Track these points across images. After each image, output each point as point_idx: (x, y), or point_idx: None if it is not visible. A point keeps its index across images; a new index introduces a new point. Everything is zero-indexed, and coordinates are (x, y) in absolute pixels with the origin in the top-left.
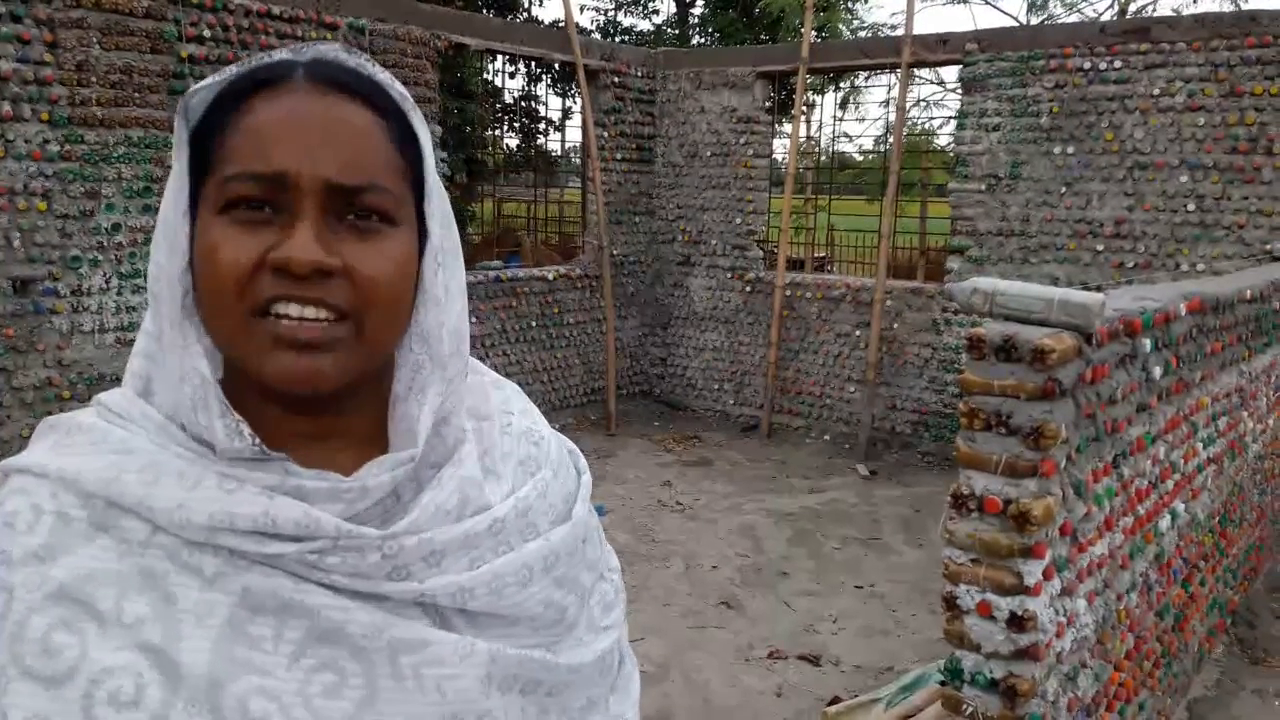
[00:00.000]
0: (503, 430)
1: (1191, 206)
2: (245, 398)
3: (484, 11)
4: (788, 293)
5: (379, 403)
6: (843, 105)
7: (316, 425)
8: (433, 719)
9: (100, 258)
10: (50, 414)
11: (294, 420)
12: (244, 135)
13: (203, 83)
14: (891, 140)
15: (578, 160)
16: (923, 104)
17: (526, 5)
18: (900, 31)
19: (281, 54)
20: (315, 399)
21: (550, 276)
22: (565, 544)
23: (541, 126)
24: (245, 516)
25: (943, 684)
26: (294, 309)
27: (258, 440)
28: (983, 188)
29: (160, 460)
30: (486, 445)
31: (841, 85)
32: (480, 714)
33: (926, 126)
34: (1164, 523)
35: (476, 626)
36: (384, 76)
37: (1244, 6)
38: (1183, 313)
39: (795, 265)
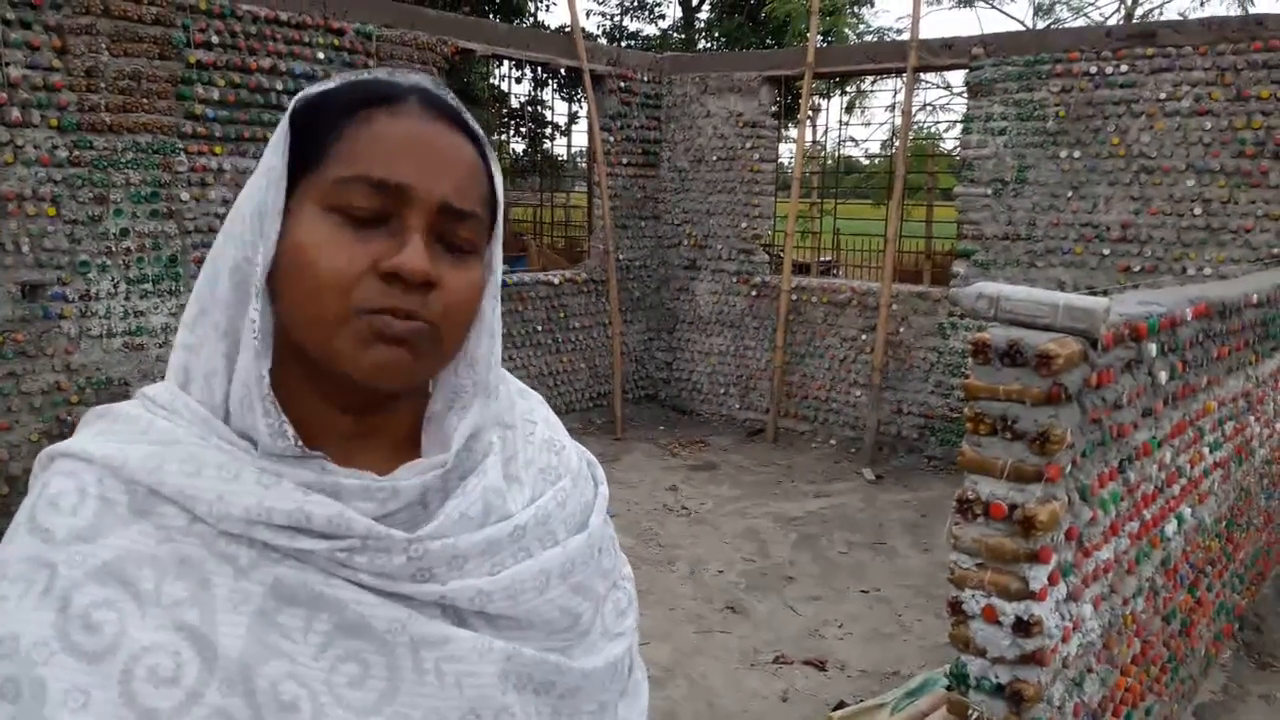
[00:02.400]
0: (526, 439)
1: (1198, 210)
2: (296, 392)
3: (490, 17)
4: (793, 297)
5: (416, 411)
6: (849, 109)
7: (359, 426)
8: (453, 713)
9: (108, 263)
10: (58, 418)
11: (340, 419)
12: (366, 144)
13: (313, 89)
14: (897, 144)
15: (584, 165)
16: (929, 108)
17: (533, 10)
18: (906, 36)
19: (379, 73)
20: (383, 395)
21: (556, 281)
22: (581, 553)
23: (548, 131)
24: (281, 511)
25: (948, 689)
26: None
27: (299, 442)
28: (989, 192)
29: (201, 452)
30: (510, 453)
31: (847, 90)
32: (498, 710)
33: (932, 130)
34: (1170, 527)
35: (494, 627)
36: (469, 117)
37: (1251, 10)
38: (1189, 317)
39: (801, 269)
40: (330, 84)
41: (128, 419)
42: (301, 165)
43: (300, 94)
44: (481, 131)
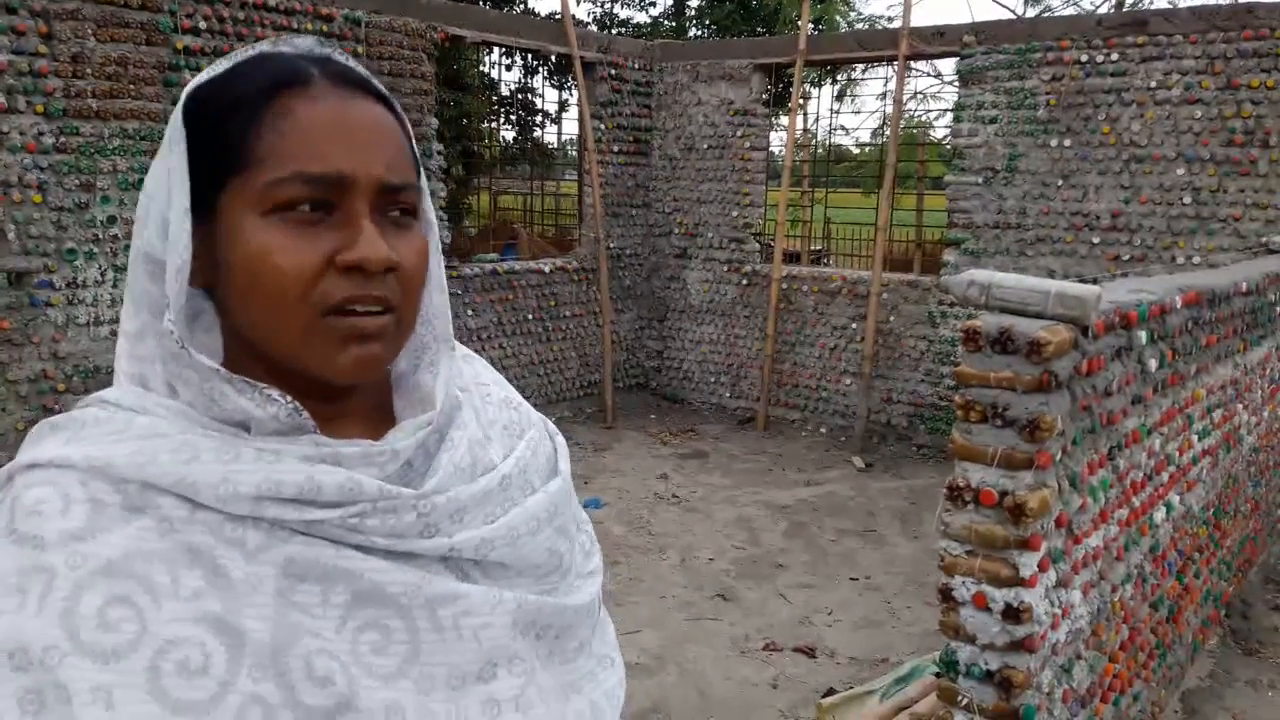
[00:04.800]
0: (484, 399)
1: (1188, 199)
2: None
3: (480, 3)
4: (784, 285)
5: (382, 381)
6: (839, 98)
7: (331, 409)
8: (472, 665)
9: (95, 250)
10: (45, 407)
11: (311, 406)
12: (291, 138)
13: (203, 79)
14: (888, 133)
15: (574, 153)
16: (920, 96)
17: None
18: (897, 24)
19: (263, 46)
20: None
21: (547, 269)
22: (560, 495)
23: (538, 119)
24: (291, 484)
25: (938, 675)
26: (360, 306)
27: (289, 398)
28: (979, 180)
29: (193, 440)
30: (474, 412)
31: (838, 78)
32: (510, 657)
33: (923, 119)
34: (1159, 515)
35: (490, 577)
36: (374, 79)
37: None
38: (1179, 305)
39: (791, 258)
40: (219, 69)
41: (98, 421)
42: (218, 165)
43: (190, 87)
44: (383, 88)
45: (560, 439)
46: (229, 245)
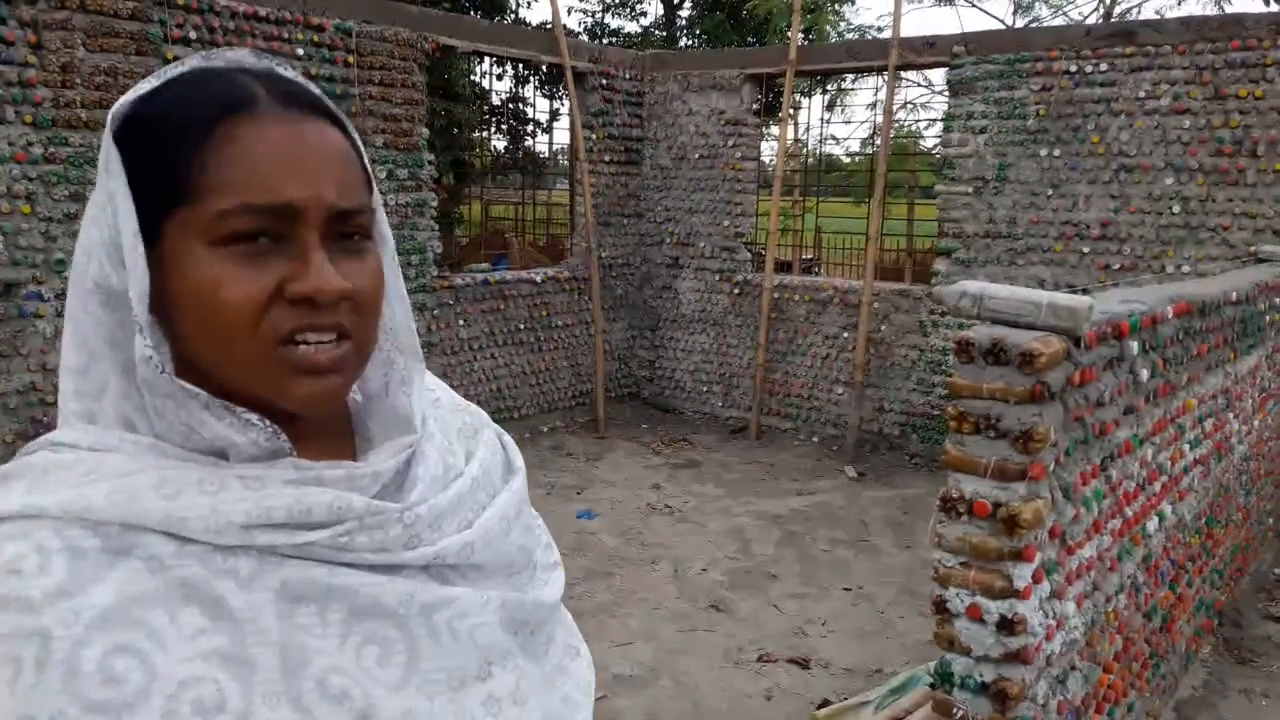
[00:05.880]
0: (434, 405)
1: (1177, 209)
2: None
3: (471, 13)
4: (776, 295)
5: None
6: (830, 107)
7: (293, 433)
8: (470, 665)
9: None
10: (34, 419)
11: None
12: (236, 166)
13: (135, 97)
14: (879, 142)
15: (566, 162)
16: (910, 106)
17: (514, 7)
18: (887, 34)
19: (195, 62)
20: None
21: (538, 279)
22: (522, 492)
23: (529, 128)
24: (280, 508)
25: (933, 688)
26: (312, 336)
27: (268, 422)
28: (970, 190)
29: (171, 474)
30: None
31: (829, 88)
32: (503, 654)
33: (913, 129)
34: (1151, 525)
35: (468, 580)
36: (321, 94)
37: (1228, 9)
38: (1170, 315)
39: (783, 267)
40: (151, 86)
41: (63, 465)
42: (161, 193)
43: (121, 106)
44: (333, 105)
45: (506, 435)
46: (177, 275)
